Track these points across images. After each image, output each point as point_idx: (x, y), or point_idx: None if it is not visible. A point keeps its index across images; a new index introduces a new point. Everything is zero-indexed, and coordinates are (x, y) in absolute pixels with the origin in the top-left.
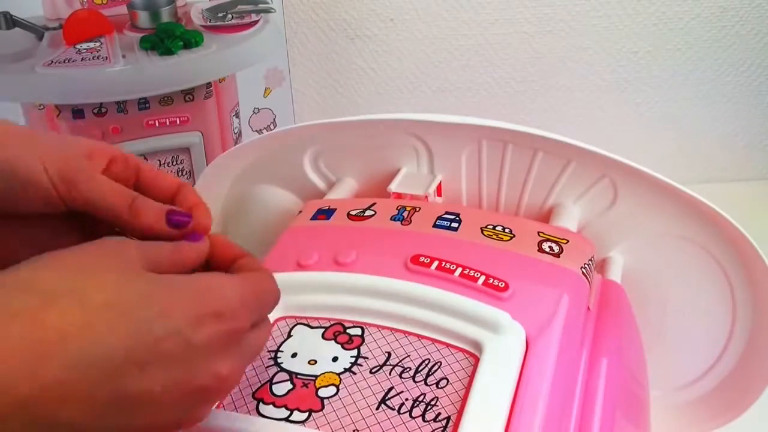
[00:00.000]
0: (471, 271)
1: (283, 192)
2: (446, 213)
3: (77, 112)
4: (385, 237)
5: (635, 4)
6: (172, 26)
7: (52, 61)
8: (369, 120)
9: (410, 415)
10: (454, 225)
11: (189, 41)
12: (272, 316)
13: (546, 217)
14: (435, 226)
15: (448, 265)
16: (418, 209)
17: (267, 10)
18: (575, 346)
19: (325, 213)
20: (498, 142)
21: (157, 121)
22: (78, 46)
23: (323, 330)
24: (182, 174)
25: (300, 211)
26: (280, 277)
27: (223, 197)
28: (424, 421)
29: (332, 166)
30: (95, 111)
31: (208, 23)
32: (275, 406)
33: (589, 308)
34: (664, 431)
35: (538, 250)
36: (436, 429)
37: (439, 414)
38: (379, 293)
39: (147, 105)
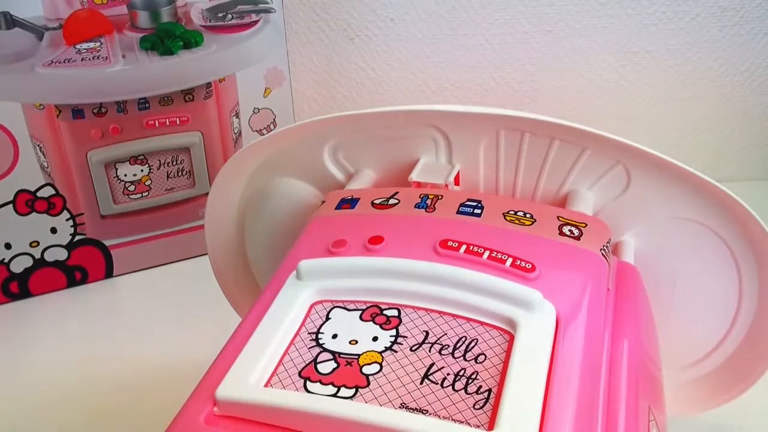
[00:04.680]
0: (498, 254)
1: (302, 184)
2: (468, 200)
3: (77, 112)
4: (412, 224)
5: (635, 4)
6: (172, 26)
7: (52, 61)
8: (389, 111)
9: (453, 389)
10: (477, 211)
11: (189, 41)
12: (308, 301)
13: (561, 203)
14: (459, 212)
15: (476, 249)
16: (440, 197)
17: (267, 10)
18: (599, 325)
19: (349, 202)
20: (516, 132)
21: (157, 121)
22: (78, 46)
23: (360, 312)
24: (182, 174)
25: (323, 201)
26: (314, 263)
27: (241, 193)
28: (466, 393)
29: (351, 158)
30: (95, 111)
31: (208, 23)
32: (322, 383)
33: (608, 289)
34: (668, 410)
35: (560, 234)
36: (479, 400)
37: (481, 387)
38: (414, 275)
39: (147, 105)
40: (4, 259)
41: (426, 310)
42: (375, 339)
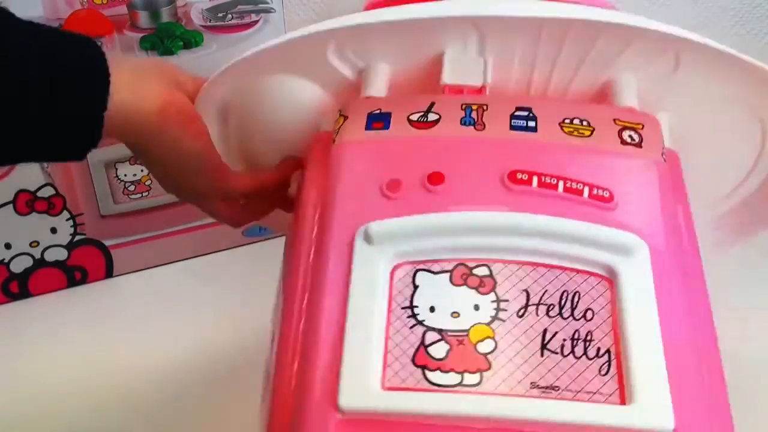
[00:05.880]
0: (573, 183)
1: (303, 81)
2: (518, 110)
3: None
4: (466, 149)
5: (635, 4)
6: (172, 26)
7: None
8: (415, 18)
9: (575, 356)
10: (531, 124)
11: (189, 41)
12: (388, 267)
13: (599, 92)
14: (512, 127)
15: (548, 180)
16: (485, 107)
17: (267, 10)
18: (676, 231)
19: (380, 120)
20: (560, 30)
21: None
22: None
23: (449, 274)
24: None
25: (344, 117)
26: (386, 225)
27: (223, 90)
28: (588, 359)
29: (362, 52)
30: None
31: (208, 23)
32: (442, 371)
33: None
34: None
35: (621, 143)
36: (602, 365)
37: (599, 348)
38: (499, 230)
39: None
40: (4, 259)
41: (517, 262)
42: (477, 308)
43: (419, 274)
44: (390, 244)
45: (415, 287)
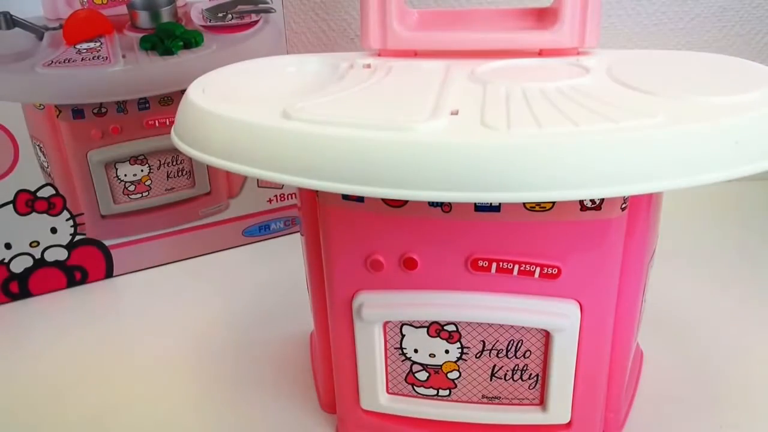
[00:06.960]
0: (527, 266)
1: None
2: None
3: (77, 112)
4: (436, 233)
5: (635, 4)
6: (172, 26)
7: (52, 61)
8: None
9: (513, 380)
10: (495, 204)
11: (189, 41)
12: (381, 323)
13: None
14: (477, 209)
15: (505, 265)
16: None
17: (267, 10)
18: (610, 290)
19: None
20: None
21: (157, 121)
22: (78, 46)
23: (426, 329)
24: (182, 174)
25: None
26: (375, 299)
27: None
28: (522, 380)
29: None
30: (95, 111)
31: (208, 23)
32: (424, 387)
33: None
34: None
35: (581, 209)
36: (531, 383)
37: (531, 374)
38: (465, 305)
39: (147, 105)
40: (4, 259)
41: (477, 323)
42: (447, 352)
43: (404, 326)
44: (380, 311)
45: (402, 335)
